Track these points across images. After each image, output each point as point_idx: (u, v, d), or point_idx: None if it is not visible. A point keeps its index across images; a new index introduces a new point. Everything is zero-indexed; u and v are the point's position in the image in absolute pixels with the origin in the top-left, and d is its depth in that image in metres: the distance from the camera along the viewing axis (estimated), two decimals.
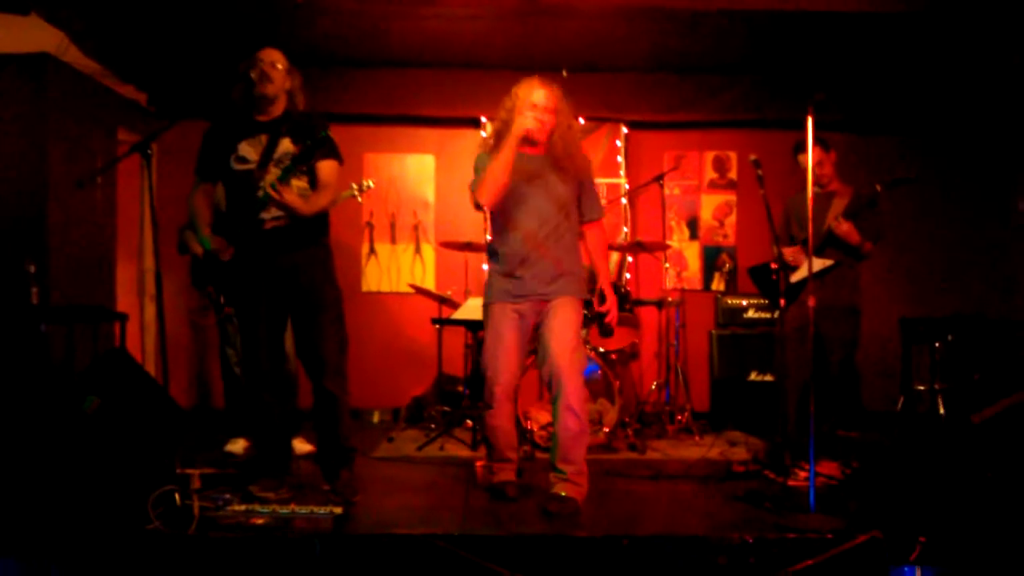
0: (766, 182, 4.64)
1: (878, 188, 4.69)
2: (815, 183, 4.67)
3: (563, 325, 3.94)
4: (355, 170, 6.88)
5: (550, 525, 3.59)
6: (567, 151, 4.00)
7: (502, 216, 4.06)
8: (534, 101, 3.91)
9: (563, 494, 3.83)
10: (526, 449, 5.25)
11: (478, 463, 4.71)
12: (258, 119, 3.97)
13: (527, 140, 3.94)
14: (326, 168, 3.97)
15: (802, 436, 4.22)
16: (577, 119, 4.13)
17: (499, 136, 3.99)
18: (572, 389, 3.86)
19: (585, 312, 4.18)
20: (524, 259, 3.98)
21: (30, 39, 5.32)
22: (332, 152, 4.00)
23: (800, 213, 4.67)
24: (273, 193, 3.78)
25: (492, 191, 3.91)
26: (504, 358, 4.01)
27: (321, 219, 4.08)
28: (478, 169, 4.02)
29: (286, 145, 3.89)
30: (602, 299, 4.14)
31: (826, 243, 4.77)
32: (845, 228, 4.73)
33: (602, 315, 4.17)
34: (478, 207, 3.99)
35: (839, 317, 4.77)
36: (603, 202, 4.31)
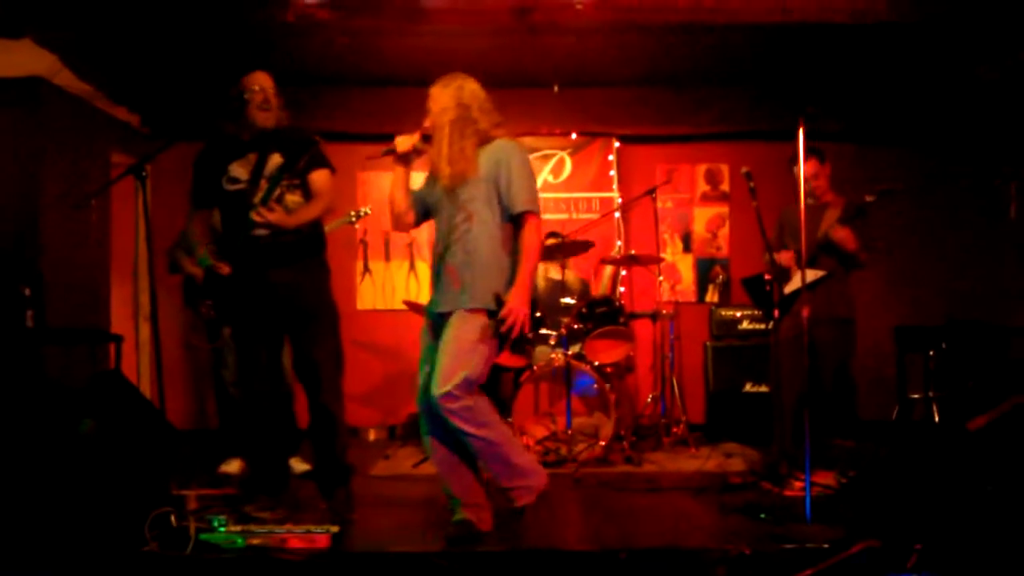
0: (758, 194, 4.67)
1: (868, 199, 4.71)
2: (809, 195, 4.71)
3: (444, 346, 3.44)
4: (349, 189, 6.91)
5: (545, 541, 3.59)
6: (451, 148, 3.59)
7: None
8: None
9: (459, 518, 3.59)
10: None
11: None
12: (245, 139, 3.98)
13: (408, 157, 3.75)
14: (318, 178, 3.98)
15: (798, 446, 4.23)
16: (477, 109, 3.68)
17: None
18: (449, 415, 3.40)
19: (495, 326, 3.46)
20: (434, 275, 3.64)
21: (23, 63, 5.35)
22: (322, 161, 4.00)
23: (793, 224, 4.68)
24: (256, 217, 3.80)
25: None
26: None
27: (316, 236, 4.08)
28: None
29: (276, 160, 3.91)
30: (499, 304, 3.45)
31: (819, 253, 4.78)
32: (842, 234, 4.73)
33: (501, 321, 3.41)
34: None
35: (833, 328, 4.78)
36: (532, 195, 3.58)
